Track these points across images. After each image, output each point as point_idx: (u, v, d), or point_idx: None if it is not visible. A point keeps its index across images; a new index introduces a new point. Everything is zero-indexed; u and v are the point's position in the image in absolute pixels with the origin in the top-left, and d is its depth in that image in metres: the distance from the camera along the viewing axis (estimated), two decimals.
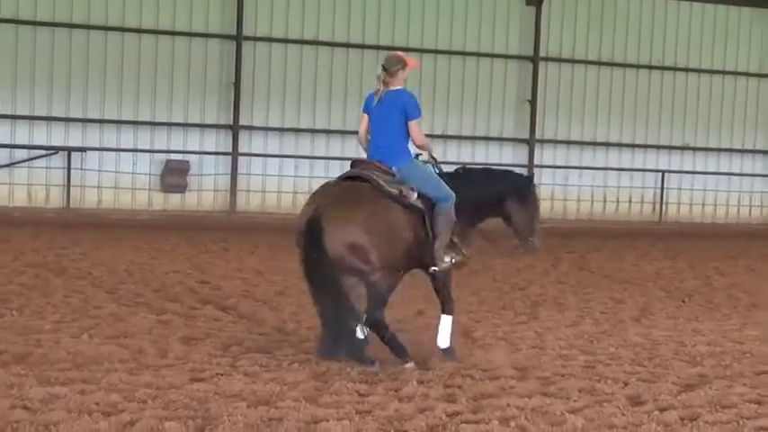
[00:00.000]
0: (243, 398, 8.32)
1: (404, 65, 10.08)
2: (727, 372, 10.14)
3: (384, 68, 10.08)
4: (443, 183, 10.03)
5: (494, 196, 10.52)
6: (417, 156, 10.22)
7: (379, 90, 10.09)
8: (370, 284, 9.62)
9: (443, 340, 10.18)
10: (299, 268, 9.70)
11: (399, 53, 10.40)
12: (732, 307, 14.66)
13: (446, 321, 10.22)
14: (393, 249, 9.63)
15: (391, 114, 9.99)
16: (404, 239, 9.74)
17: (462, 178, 10.48)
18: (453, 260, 9.98)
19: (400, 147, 10.01)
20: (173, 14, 26.87)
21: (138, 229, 22.35)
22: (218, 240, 20.54)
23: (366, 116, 10.22)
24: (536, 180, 30.81)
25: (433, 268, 9.96)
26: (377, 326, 9.68)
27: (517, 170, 28.15)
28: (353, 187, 9.79)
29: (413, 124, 9.98)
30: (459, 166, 10.99)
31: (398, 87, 10.09)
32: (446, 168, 10.52)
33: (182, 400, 8.16)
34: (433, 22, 29.05)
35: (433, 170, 10.17)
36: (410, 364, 9.63)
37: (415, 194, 9.78)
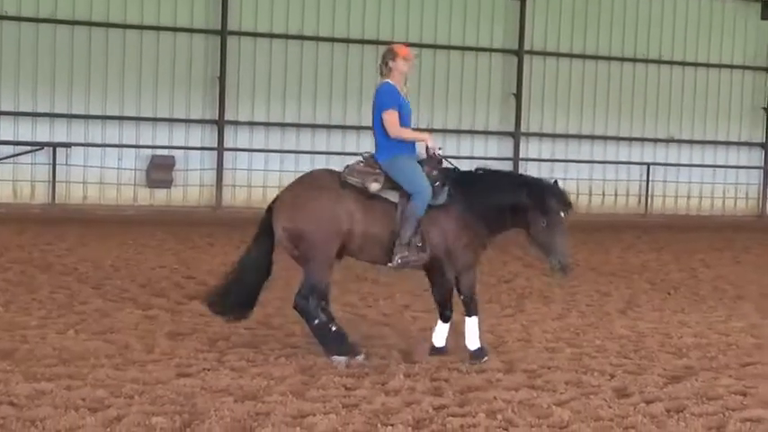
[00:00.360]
0: (230, 393, 8.32)
1: (393, 55, 9.98)
2: (713, 363, 10.17)
3: (380, 63, 10.09)
4: (419, 177, 9.73)
5: (508, 205, 9.82)
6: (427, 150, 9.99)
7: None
8: (306, 270, 9.63)
9: (472, 342, 9.91)
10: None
11: (392, 45, 10.36)
12: (718, 299, 14.70)
13: (472, 323, 9.95)
14: (331, 239, 9.53)
15: (375, 109, 9.97)
16: (354, 230, 9.60)
17: (472, 180, 10.05)
18: (401, 260, 9.65)
19: (381, 141, 9.92)
20: (157, 9, 26.81)
21: (123, 225, 22.31)
22: (204, 235, 20.52)
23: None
24: (522, 173, 30.73)
25: (389, 264, 9.80)
26: (303, 311, 9.64)
27: (502, 164, 28.56)
28: (315, 176, 9.95)
29: (385, 115, 9.86)
30: (478, 165, 10.51)
31: (384, 80, 10.02)
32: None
33: (168, 396, 8.16)
34: (418, 16, 29.05)
35: (414, 165, 9.85)
36: (341, 360, 9.46)
37: (377, 185, 9.65)
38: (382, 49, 10.53)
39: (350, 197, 9.62)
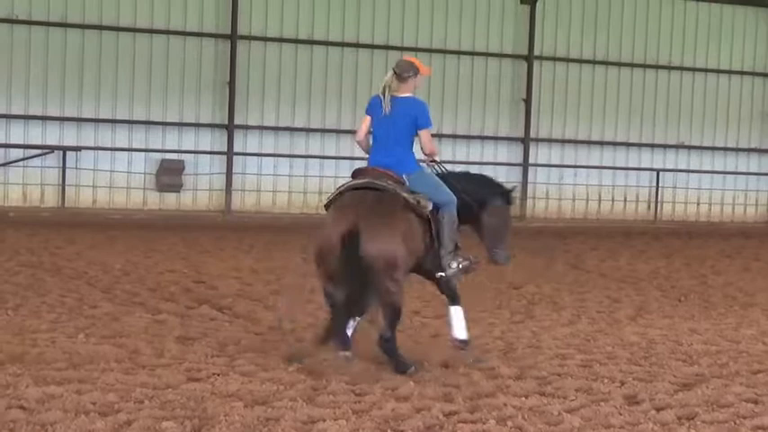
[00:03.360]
0: (239, 398, 8.30)
1: (416, 72, 9.85)
2: (724, 371, 10.14)
3: (395, 73, 9.84)
4: (446, 187, 9.91)
5: (473, 203, 10.25)
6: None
7: (386, 94, 9.84)
8: (392, 301, 9.32)
9: (460, 331, 10.09)
10: (320, 279, 9.48)
11: (413, 59, 10.13)
12: (728, 306, 14.66)
13: (456, 312, 10.11)
14: (412, 264, 9.59)
15: (401, 123, 9.78)
16: (420, 251, 9.65)
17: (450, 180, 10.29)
18: (461, 265, 9.88)
19: (409, 155, 9.87)
20: (167, 14, 26.84)
21: (133, 229, 22.32)
22: (213, 240, 20.52)
23: (368, 118, 9.95)
24: (531, 179, 30.74)
25: (440, 274, 9.87)
26: (388, 344, 9.45)
27: (512, 169, 28.56)
28: (381, 198, 9.49)
29: (424, 133, 9.85)
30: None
31: (408, 95, 9.89)
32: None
33: (178, 400, 8.15)
34: (428, 21, 29.03)
35: (436, 178, 10.05)
36: (412, 370, 9.45)
37: (431, 205, 9.69)
38: (392, 54, 10.57)
39: (415, 218, 9.61)
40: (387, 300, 9.31)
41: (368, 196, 9.48)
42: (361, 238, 9.04)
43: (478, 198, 10.31)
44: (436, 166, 10.24)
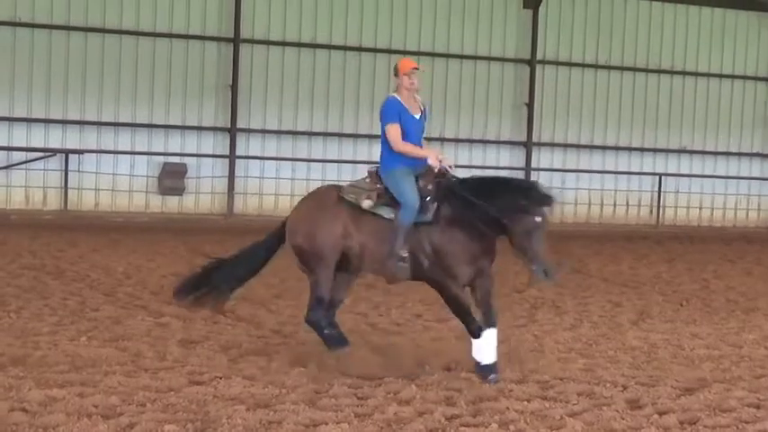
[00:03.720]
0: (242, 401, 8.31)
1: (396, 71, 10.06)
2: (726, 375, 10.14)
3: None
4: (408, 190, 9.68)
5: (490, 215, 9.47)
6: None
7: None
8: (311, 284, 9.92)
9: (488, 356, 9.52)
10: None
11: (399, 59, 10.45)
12: (730, 310, 14.66)
13: (490, 335, 9.57)
14: (328, 253, 9.78)
15: (381, 123, 10.04)
16: (350, 245, 9.79)
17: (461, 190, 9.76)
18: (399, 270, 9.71)
19: (384, 153, 10.00)
20: (170, 17, 26.86)
21: (135, 232, 22.33)
22: (215, 243, 20.49)
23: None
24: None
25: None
26: (313, 325, 9.88)
27: (514, 173, 28.55)
28: (317, 194, 10.28)
29: (385, 128, 9.90)
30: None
31: (390, 95, 10.14)
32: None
33: (181, 403, 8.16)
34: (431, 26, 29.05)
35: (407, 178, 9.74)
36: (346, 349, 9.80)
37: (369, 202, 9.79)
38: (395, 57, 10.60)
39: (346, 213, 9.84)
40: (311, 285, 9.97)
41: (315, 193, 10.46)
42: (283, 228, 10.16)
43: (503, 208, 9.42)
44: (449, 173, 9.84)
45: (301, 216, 10.07)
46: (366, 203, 9.82)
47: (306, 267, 10.00)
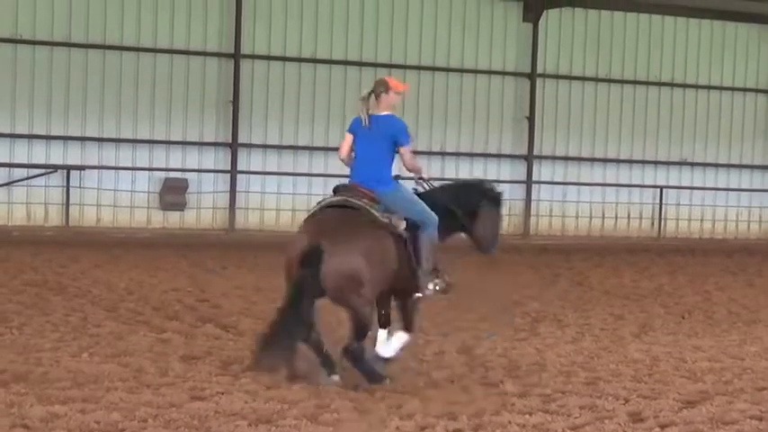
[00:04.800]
0: (243, 416, 8.31)
1: (386, 88, 9.93)
2: (728, 388, 10.14)
3: (370, 92, 10.00)
4: (423, 206, 9.89)
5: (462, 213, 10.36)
6: (398, 177, 10.11)
7: (363, 114, 9.97)
8: (358, 316, 9.48)
9: (388, 350, 10.00)
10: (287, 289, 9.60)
11: (386, 77, 10.36)
12: (732, 323, 14.66)
13: (401, 338, 10.09)
14: (384, 281, 9.59)
15: (378, 140, 9.90)
16: (393, 270, 9.66)
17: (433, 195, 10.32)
18: (437, 287, 9.88)
19: (385, 173, 9.94)
20: (171, 33, 26.89)
21: (137, 248, 22.34)
22: (217, 258, 20.53)
23: (350, 136, 10.13)
24: (534, 196, 30.76)
25: (417, 295, 9.91)
26: (355, 355, 9.58)
27: (516, 187, 28.57)
28: (350, 217, 9.67)
29: (405, 151, 9.92)
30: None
31: (386, 113, 9.99)
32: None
33: (182, 419, 8.15)
34: (431, 40, 29.05)
35: (413, 195, 10.06)
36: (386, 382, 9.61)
37: (404, 224, 9.73)
38: (396, 72, 10.65)
39: (388, 237, 9.70)
40: (354, 317, 9.49)
41: (336, 214, 9.70)
42: (323, 256, 9.17)
43: (467, 206, 10.36)
44: (425, 184, 10.31)
45: (351, 245, 9.36)
46: (402, 226, 9.71)
47: (355, 295, 9.37)
